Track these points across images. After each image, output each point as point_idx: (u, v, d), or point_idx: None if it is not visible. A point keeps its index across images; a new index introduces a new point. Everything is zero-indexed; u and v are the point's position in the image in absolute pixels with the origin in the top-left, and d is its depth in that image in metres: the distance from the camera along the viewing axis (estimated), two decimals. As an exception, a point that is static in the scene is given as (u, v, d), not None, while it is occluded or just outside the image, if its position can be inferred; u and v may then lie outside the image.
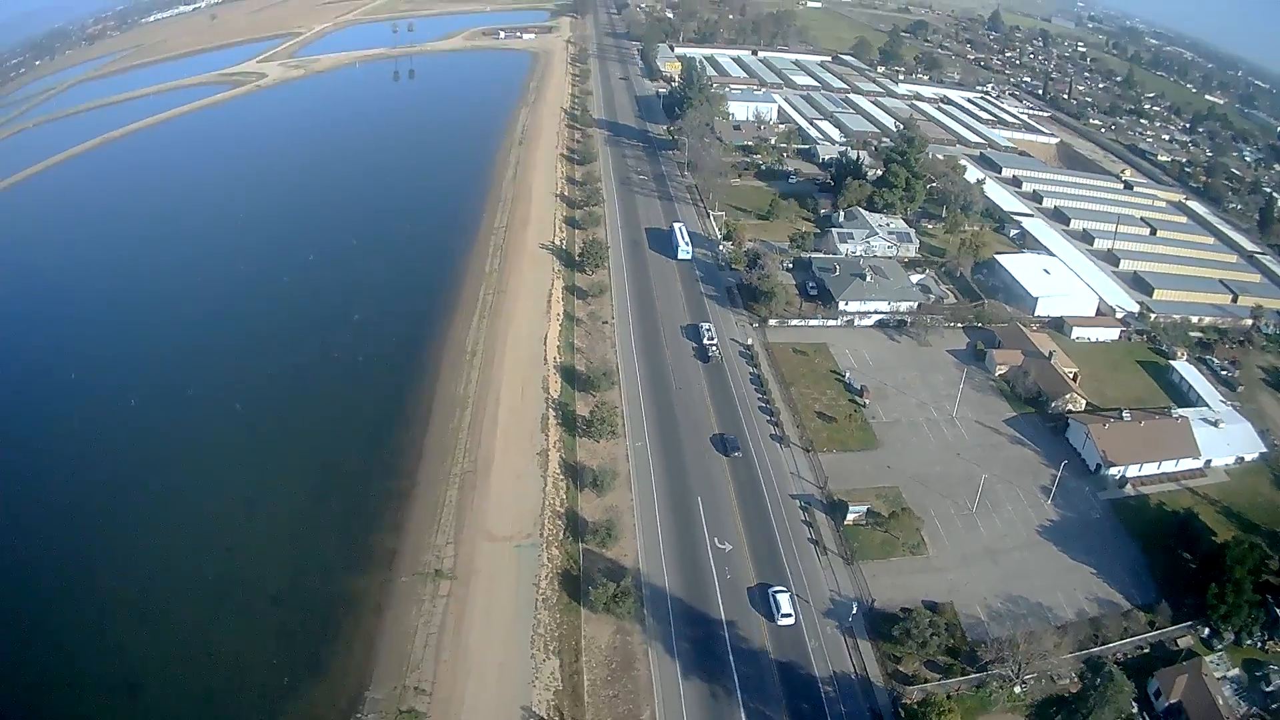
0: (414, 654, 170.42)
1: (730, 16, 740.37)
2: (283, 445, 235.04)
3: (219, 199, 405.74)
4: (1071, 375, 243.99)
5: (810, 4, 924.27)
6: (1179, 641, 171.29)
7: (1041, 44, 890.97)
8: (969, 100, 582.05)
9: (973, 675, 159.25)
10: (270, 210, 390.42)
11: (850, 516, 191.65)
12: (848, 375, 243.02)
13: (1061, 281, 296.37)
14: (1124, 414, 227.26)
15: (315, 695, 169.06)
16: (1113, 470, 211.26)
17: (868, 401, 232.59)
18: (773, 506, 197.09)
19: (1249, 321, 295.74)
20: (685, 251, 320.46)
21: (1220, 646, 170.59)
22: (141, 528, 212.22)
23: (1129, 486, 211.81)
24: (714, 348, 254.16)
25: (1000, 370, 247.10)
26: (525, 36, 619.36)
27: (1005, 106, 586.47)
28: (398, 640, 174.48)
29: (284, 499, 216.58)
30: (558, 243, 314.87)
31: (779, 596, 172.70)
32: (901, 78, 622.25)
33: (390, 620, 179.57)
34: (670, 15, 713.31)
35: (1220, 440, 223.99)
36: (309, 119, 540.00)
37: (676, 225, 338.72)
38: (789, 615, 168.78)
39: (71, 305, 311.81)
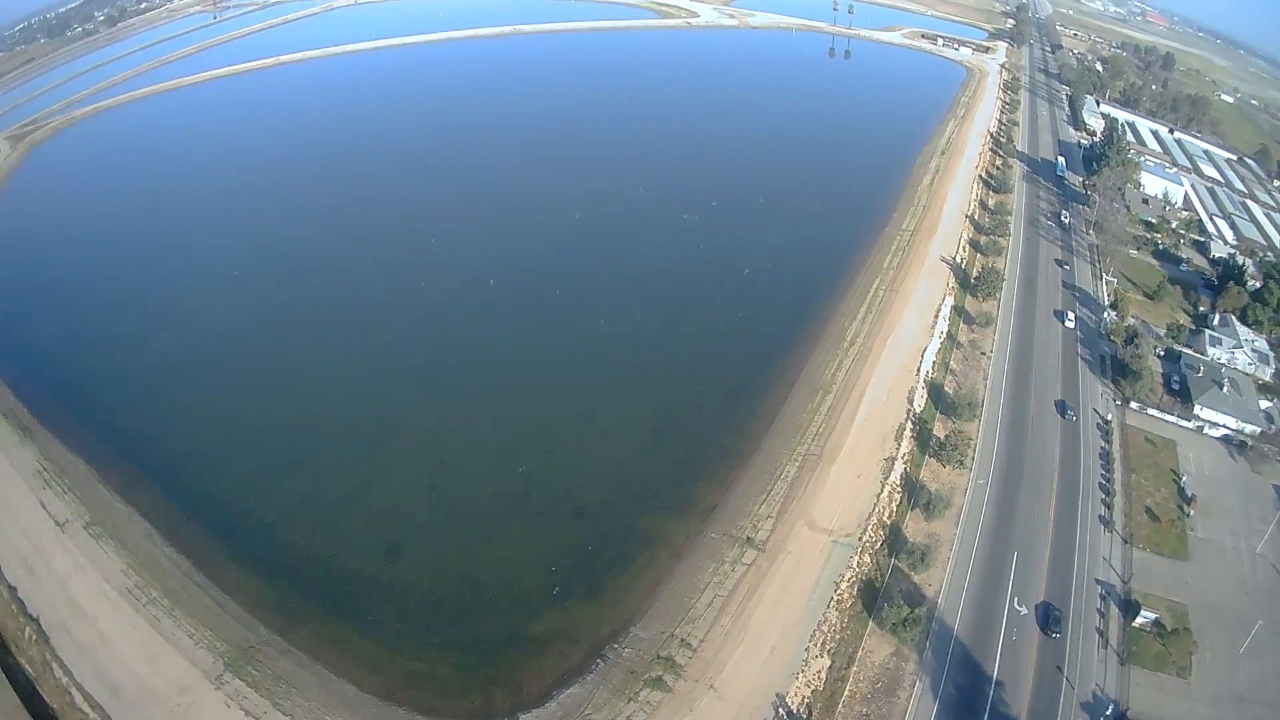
0: (694, 609, 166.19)
1: (1153, 87, 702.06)
2: (639, 371, 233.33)
3: (627, 122, 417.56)
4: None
5: (1224, 97, 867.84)
6: None
7: None
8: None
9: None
10: (677, 146, 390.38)
11: (1139, 620, 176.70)
12: (1184, 479, 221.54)
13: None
14: None
15: (580, 613, 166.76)
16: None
17: (1192, 512, 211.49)
18: (1077, 584, 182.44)
19: None
20: (1061, 169, 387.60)
21: None
22: (469, 412, 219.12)
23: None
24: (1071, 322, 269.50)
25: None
26: (962, 50, 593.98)
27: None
28: (684, 591, 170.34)
29: (622, 422, 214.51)
30: (958, 260, 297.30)
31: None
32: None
33: (684, 570, 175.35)
34: (1100, 69, 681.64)
35: None
36: (734, 69, 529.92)
37: (1060, 158, 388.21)
38: None
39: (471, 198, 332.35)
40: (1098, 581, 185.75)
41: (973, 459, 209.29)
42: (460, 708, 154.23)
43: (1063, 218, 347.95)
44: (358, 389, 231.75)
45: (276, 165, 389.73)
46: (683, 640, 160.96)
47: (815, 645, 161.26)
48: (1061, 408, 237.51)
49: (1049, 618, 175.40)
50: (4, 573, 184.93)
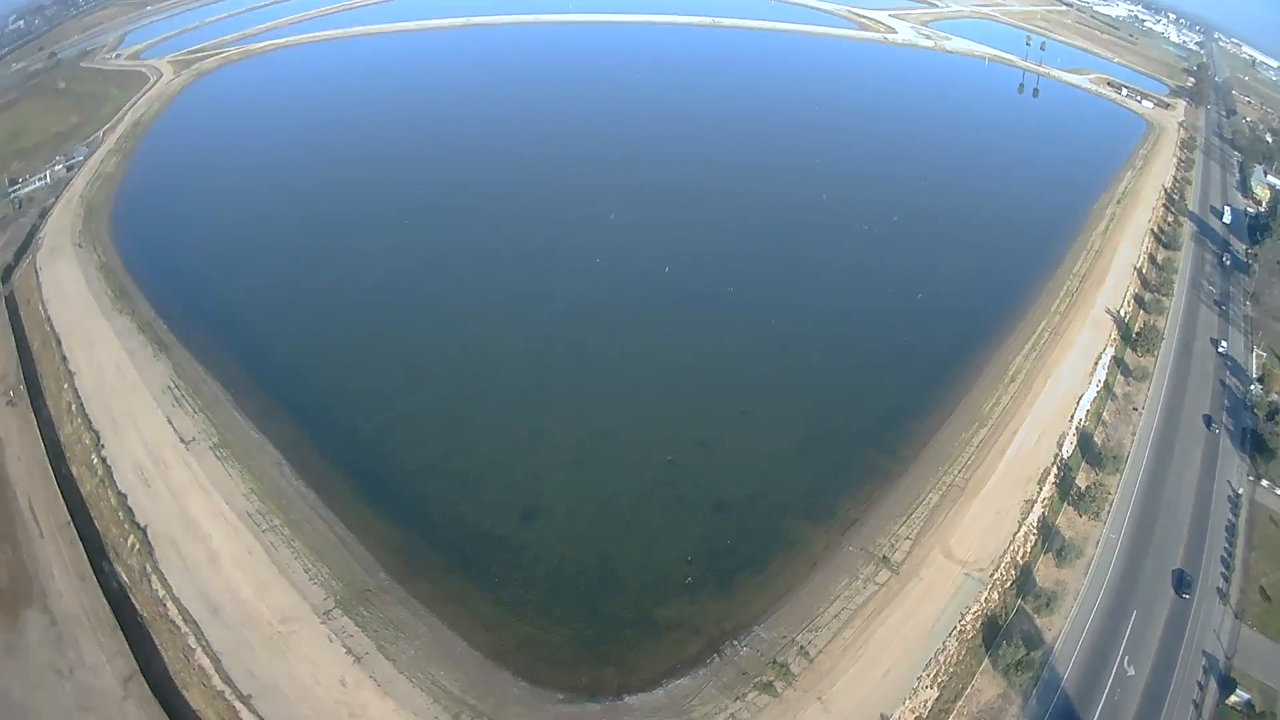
0: (819, 618, 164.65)
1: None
2: (798, 376, 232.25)
3: (815, 128, 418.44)
4: None
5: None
6: None
7: None
8: None
9: None
10: (864, 158, 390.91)
11: (1232, 698, 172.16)
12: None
13: None
14: None
15: (707, 604, 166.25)
16: None
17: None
18: (1184, 653, 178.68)
19: None
20: (1227, 218, 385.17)
21: None
22: (626, 393, 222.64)
23: None
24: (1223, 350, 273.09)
25: None
26: (1144, 104, 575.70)
27: None
28: (813, 599, 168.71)
29: (776, 424, 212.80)
30: (1122, 313, 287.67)
31: None
32: None
33: (817, 579, 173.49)
34: (1270, 140, 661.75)
35: None
36: (926, 90, 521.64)
37: (1227, 207, 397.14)
38: None
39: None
40: (1204, 654, 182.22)
41: (1109, 512, 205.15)
42: (567, 680, 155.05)
43: (1223, 260, 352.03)
44: (519, 354, 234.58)
45: (457, 127, 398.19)
46: (802, 649, 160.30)
47: (927, 675, 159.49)
48: (1200, 472, 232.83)
49: (1182, 582, 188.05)
50: (115, 479, 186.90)
